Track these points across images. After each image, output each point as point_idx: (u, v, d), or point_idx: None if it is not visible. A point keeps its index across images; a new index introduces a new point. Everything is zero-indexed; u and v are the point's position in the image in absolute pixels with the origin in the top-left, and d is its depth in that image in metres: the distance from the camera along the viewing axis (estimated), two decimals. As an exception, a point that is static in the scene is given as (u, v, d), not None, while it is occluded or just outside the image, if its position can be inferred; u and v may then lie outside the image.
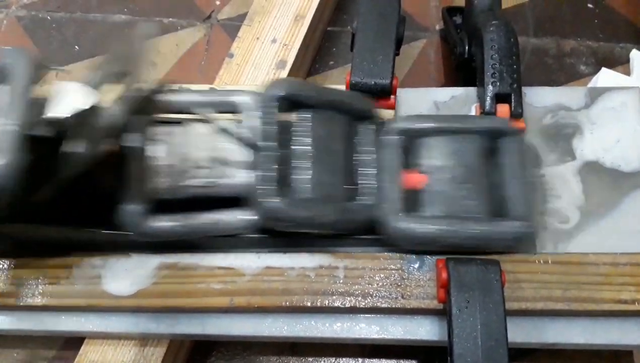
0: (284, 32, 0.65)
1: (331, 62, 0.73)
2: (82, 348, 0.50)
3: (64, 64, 0.73)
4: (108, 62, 0.41)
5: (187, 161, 0.45)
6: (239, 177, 0.45)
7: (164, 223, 0.44)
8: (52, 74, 0.72)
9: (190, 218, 0.44)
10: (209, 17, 0.76)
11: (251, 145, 0.45)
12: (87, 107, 0.38)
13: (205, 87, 0.56)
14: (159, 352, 0.50)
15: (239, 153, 0.45)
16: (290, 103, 0.46)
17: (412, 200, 0.46)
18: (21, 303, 0.47)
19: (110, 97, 0.39)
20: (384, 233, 0.45)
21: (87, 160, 0.38)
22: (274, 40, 0.64)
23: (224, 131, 0.46)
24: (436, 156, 0.47)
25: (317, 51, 0.73)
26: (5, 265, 0.48)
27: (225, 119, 0.47)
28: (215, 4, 0.77)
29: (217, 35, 0.75)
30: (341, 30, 0.75)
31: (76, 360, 0.50)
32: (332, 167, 0.46)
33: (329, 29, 0.75)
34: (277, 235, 0.46)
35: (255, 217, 0.44)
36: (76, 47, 0.74)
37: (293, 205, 0.43)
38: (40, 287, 0.47)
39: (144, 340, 0.50)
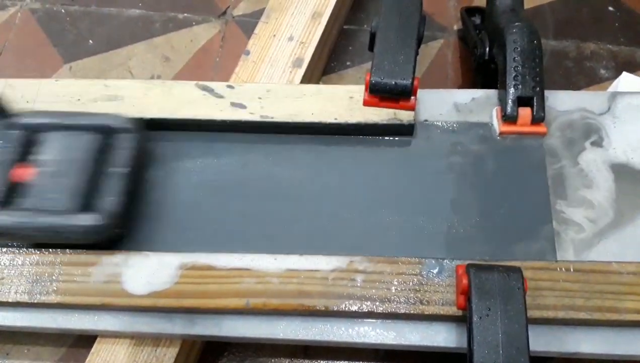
0: (301, 29, 0.64)
1: (348, 62, 0.72)
2: (95, 346, 0.50)
3: (78, 58, 0.72)
4: None
5: None
6: None
7: None
8: (65, 68, 0.72)
9: None
10: (224, 13, 0.76)
11: None
12: None
13: (222, 84, 0.55)
14: (172, 352, 0.49)
15: None
16: None
17: (21, 193, 0.48)
18: (34, 301, 0.47)
19: None
20: None
21: None
22: (290, 38, 0.64)
23: None
24: (50, 151, 0.50)
25: (333, 49, 0.72)
26: (20, 261, 0.48)
27: None
28: (231, 0, 0.76)
29: (232, 32, 0.74)
30: (358, 29, 0.74)
31: (88, 359, 0.49)
32: None
33: (345, 27, 0.74)
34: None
35: None
36: (90, 41, 0.74)
37: None
38: (54, 284, 0.47)
39: (157, 340, 0.49)
